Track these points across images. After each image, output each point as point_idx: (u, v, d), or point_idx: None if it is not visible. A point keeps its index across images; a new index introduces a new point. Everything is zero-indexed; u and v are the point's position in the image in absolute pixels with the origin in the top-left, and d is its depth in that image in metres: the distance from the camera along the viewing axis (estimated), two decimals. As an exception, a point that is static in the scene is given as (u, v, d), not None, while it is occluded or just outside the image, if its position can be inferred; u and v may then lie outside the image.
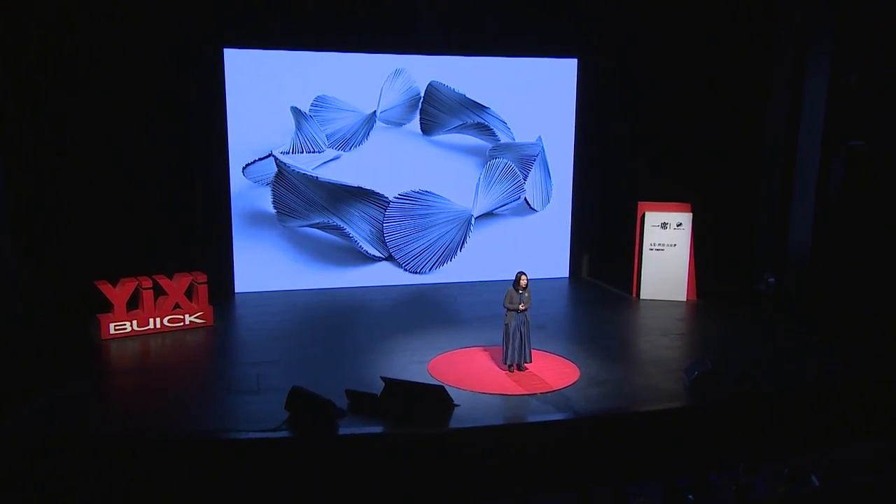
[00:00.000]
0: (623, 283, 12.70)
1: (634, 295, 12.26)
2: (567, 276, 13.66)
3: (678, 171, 12.83)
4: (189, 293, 10.28)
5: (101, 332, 9.73)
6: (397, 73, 12.43)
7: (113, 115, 10.99)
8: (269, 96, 11.90)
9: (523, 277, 8.48)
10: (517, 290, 8.46)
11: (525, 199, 13.29)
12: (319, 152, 12.26)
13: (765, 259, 12.26)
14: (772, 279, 11.59)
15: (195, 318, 10.24)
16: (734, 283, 12.50)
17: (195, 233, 11.73)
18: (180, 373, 8.76)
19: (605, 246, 13.72)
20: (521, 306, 8.39)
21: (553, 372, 8.67)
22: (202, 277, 10.29)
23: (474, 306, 11.52)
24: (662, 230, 12.09)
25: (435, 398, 7.54)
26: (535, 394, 7.99)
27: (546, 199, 13.50)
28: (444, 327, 10.42)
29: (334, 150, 12.37)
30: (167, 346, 9.65)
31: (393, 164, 12.58)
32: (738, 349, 9.67)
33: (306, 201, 12.22)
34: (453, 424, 7.20)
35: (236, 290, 12.16)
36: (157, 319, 10.04)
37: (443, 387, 7.69)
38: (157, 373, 8.78)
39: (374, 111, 12.40)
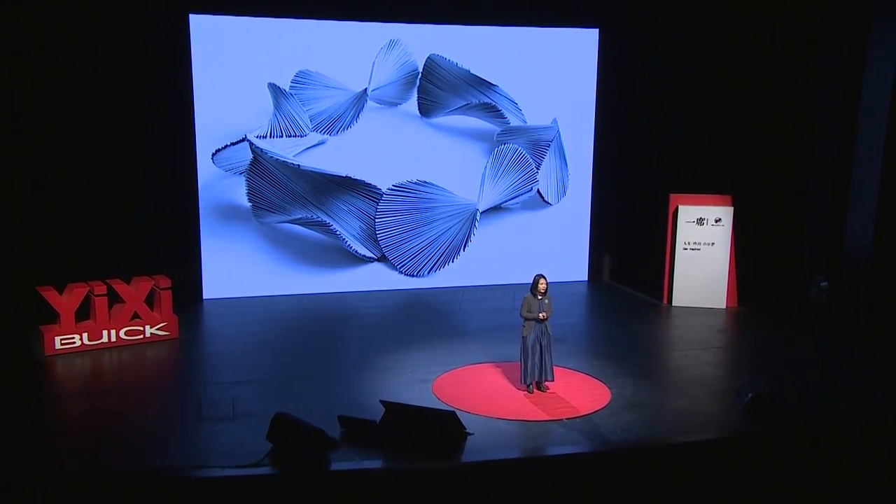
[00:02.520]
0: (652, 287, 12.68)
1: (665, 301, 12.25)
2: (586, 279, 13.69)
3: (715, 159, 12.82)
4: (150, 300, 10.22)
5: (45, 347, 9.62)
6: (392, 44, 12.39)
7: (60, 92, 10.94)
8: (242, 71, 11.83)
9: (542, 281, 8.32)
10: (536, 297, 8.31)
11: (538, 191, 13.34)
12: (301, 136, 12.25)
13: (817, 260, 12.24)
14: (825, 283, 11.16)
15: (157, 329, 10.18)
16: (781, 289, 12.47)
17: (156, 230, 11.68)
18: (140, 396, 8.61)
19: (630, 245, 13.72)
20: (540, 315, 8.24)
21: (579, 393, 8.53)
22: (165, 282, 10.23)
23: (481, 314, 11.53)
24: (698, 227, 12.00)
25: (444, 425, 7.35)
26: (559, 419, 7.84)
27: (562, 191, 13.53)
28: (447, 339, 10.37)
29: (319, 134, 12.36)
30: (124, 364, 9.56)
31: (386, 150, 12.57)
32: (791, 366, 9.56)
33: (286, 193, 12.15)
34: (466, 457, 7.04)
35: (205, 297, 12.14)
36: (112, 332, 9.94)
37: (454, 412, 7.49)
38: (111, 396, 8.61)
39: (365, 89, 12.38)
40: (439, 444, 7.17)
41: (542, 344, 8.37)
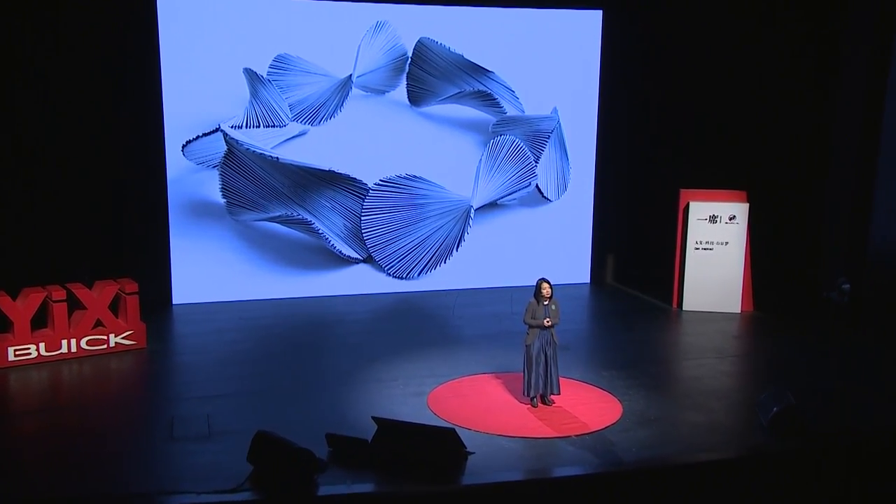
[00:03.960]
0: (660, 290, 12.71)
1: (675, 306, 12.29)
2: (588, 281, 13.77)
3: (729, 151, 12.86)
4: (114, 307, 10.15)
5: (-2, 358, 9.54)
6: (379, 26, 12.38)
7: (13, 79, 10.83)
8: (216, 55, 11.75)
9: (546, 285, 8.33)
10: (540, 302, 8.30)
11: (537, 186, 13.36)
12: (280, 126, 12.24)
13: (837, 261, 12.20)
14: (846, 286, 11.18)
15: (122, 338, 10.12)
16: (799, 291, 12.46)
17: (121, 229, 11.67)
18: (104, 414, 8.48)
19: (636, 245, 13.77)
20: (546, 322, 8.23)
21: (588, 407, 8.49)
22: (131, 286, 10.17)
23: (477, 320, 11.58)
24: (711, 225, 11.99)
25: (443, 444, 7.24)
26: (568, 436, 7.79)
27: (562, 187, 13.56)
28: (441, 348, 10.37)
29: (299, 125, 12.36)
30: (86, 377, 9.46)
31: (373, 141, 12.56)
32: (816, 376, 9.56)
33: (264, 188, 12.14)
34: (466, 479, 6.97)
35: (175, 302, 12.12)
36: (73, 341, 9.86)
37: (453, 429, 7.42)
38: (72, 414, 8.47)
39: (350, 75, 12.38)
40: (437, 464, 7.10)
41: (548, 354, 8.33)
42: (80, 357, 9.79)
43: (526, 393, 8.40)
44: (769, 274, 12.25)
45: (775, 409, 7.79)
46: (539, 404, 8.42)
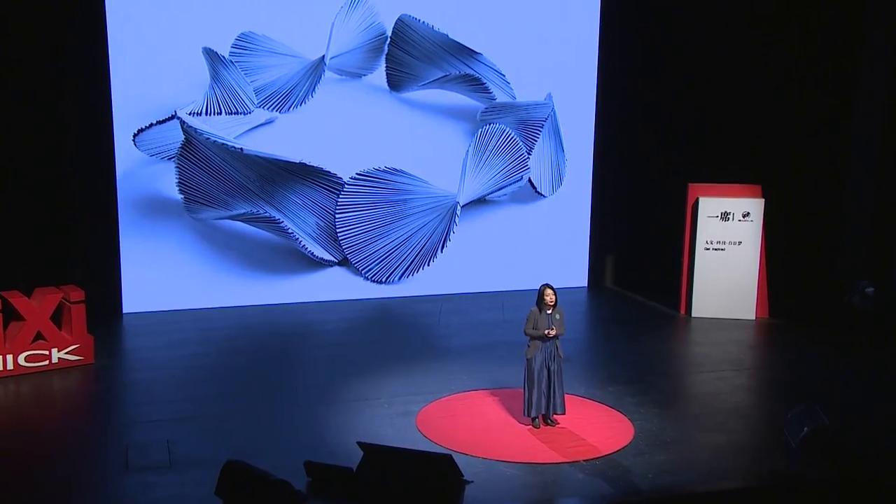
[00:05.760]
0: (666, 295, 12.79)
1: (683, 312, 12.36)
2: (585, 285, 13.89)
3: (742, 142, 12.92)
4: (57, 317, 10.06)
5: (-76, 376, 9.44)
6: (355, 2, 12.40)
7: None
8: (171, 31, 11.69)
9: (550, 292, 8.31)
10: (543, 311, 8.25)
11: (529, 180, 13.37)
12: (245, 113, 12.20)
13: (859, 262, 12.28)
14: (870, 289, 11.43)
15: (67, 353, 10.03)
16: (819, 295, 12.52)
17: (65, 229, 11.58)
18: (47, 440, 8.30)
19: (639, 245, 13.74)
20: (549, 332, 8.17)
21: (596, 427, 8.45)
22: (77, 294, 10.08)
23: (464, 329, 11.65)
24: (723, 222, 12.02)
25: (438, 472, 7.06)
26: (576, 461, 7.71)
27: (558, 181, 13.60)
28: (428, 361, 10.38)
29: (266, 111, 12.35)
30: (25, 398, 9.37)
31: (349, 131, 12.55)
32: (844, 390, 9.57)
33: (226, 183, 12.05)
34: None
35: (126, 311, 12.10)
36: (9, 357, 9.76)
37: (450, 455, 7.27)
38: (9, 441, 8.29)
39: (322, 57, 12.35)
40: (431, 495, 6.95)
41: (551, 369, 8.28)
42: (18, 375, 9.70)
43: (527, 412, 8.36)
44: (786, 277, 12.31)
45: (806, 429, 7.53)
46: (541, 425, 8.35)
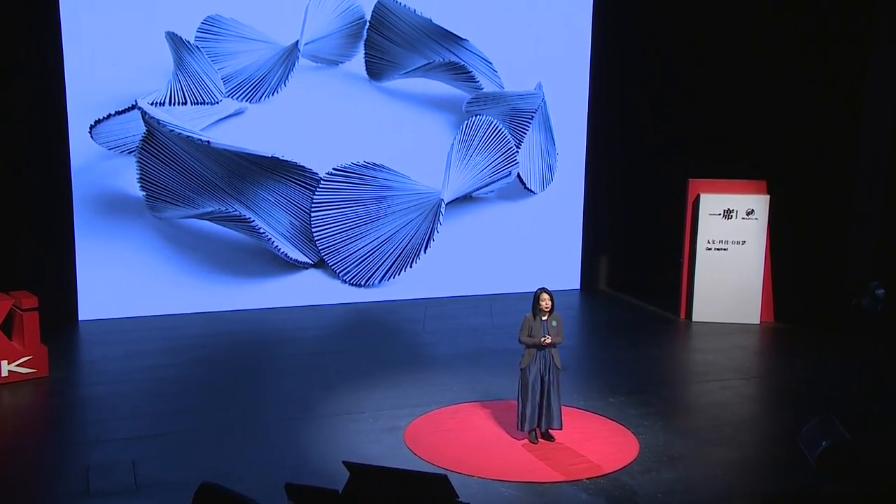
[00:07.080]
0: (665, 298, 12.86)
1: (683, 316, 12.41)
2: (578, 288, 13.99)
3: (745, 135, 13.06)
4: (7, 326, 10.00)
5: None
6: None
7: None
8: (131, 15, 11.68)
9: (545, 296, 8.23)
10: (538, 317, 8.20)
11: (518, 175, 13.43)
12: (212, 104, 12.22)
13: (868, 263, 12.34)
14: (880, 291, 11.62)
15: (18, 365, 9.96)
16: (827, 298, 12.59)
17: (15, 230, 11.56)
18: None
19: (635, 245, 13.82)
20: (544, 340, 8.12)
21: (598, 443, 8.40)
22: (29, 301, 10.04)
23: (451, 336, 11.70)
24: (725, 220, 12.06)
25: (432, 494, 6.89)
26: (579, 480, 7.63)
27: (548, 177, 13.64)
28: (413, 370, 10.37)
29: (235, 101, 12.37)
30: None
31: (325, 123, 12.58)
32: (861, 400, 9.54)
33: (192, 179, 12.04)
34: None
35: (82, 318, 12.07)
36: None
37: (445, 476, 6.98)
38: None
39: (296, 42, 12.39)
40: None
41: (546, 380, 8.23)
42: (-34, 389, 9.49)
43: (520, 427, 8.35)
44: (793, 278, 12.37)
45: (824, 443, 7.51)
46: (539, 439, 8.30)
